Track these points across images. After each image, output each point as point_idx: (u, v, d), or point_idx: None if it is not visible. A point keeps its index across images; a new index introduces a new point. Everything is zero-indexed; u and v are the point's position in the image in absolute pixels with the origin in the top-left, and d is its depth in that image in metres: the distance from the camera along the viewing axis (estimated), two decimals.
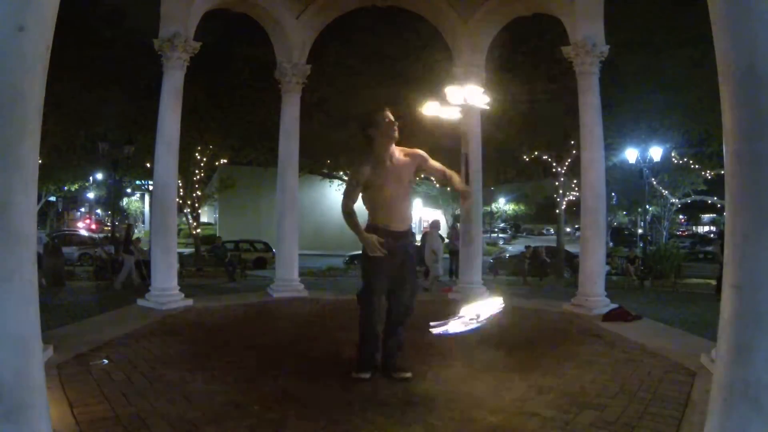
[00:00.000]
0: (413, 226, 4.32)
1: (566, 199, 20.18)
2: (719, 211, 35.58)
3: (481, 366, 4.26)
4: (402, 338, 3.98)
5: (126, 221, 18.85)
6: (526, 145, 17.33)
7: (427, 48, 14.31)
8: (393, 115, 3.93)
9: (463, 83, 6.14)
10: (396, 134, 3.88)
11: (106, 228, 36.66)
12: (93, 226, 41.42)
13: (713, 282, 11.58)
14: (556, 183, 19.44)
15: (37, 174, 2.44)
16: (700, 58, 11.57)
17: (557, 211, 19.90)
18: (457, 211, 21.67)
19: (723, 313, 2.34)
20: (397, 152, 3.92)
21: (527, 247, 19.31)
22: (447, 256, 15.52)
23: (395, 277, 3.86)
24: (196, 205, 19.64)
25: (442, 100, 3.98)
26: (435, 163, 4.10)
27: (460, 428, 3.02)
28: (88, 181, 30.65)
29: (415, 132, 17.15)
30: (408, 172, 3.94)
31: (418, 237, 18.52)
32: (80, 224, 44.29)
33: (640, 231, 22.92)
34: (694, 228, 52.78)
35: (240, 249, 20.62)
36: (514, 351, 4.82)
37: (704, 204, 27.66)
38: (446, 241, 17.10)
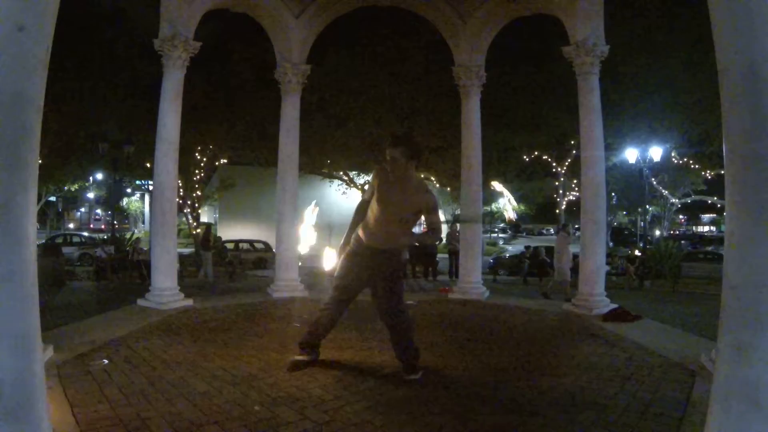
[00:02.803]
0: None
1: (566, 199, 20.17)
2: (719, 211, 35.61)
3: (481, 366, 4.26)
4: (401, 344, 3.93)
5: (205, 224, 18.87)
6: (525, 145, 17.34)
7: (427, 48, 14.34)
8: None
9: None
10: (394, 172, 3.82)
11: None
12: (102, 227, 41.54)
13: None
14: (556, 183, 19.44)
15: (37, 174, 2.44)
16: (699, 59, 11.57)
17: (557, 211, 19.89)
18: (457, 212, 21.68)
19: (723, 313, 2.34)
20: (414, 185, 3.84)
21: (527, 247, 19.31)
22: (446, 255, 15.54)
23: (368, 285, 4.02)
24: (196, 205, 19.64)
25: None
26: (433, 217, 3.85)
27: (460, 427, 3.02)
28: (88, 181, 30.65)
29: (415, 131, 17.23)
30: (410, 207, 3.80)
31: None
32: (91, 225, 44.51)
33: (658, 232, 23.01)
34: (694, 228, 52.80)
35: (240, 249, 20.59)
36: (514, 351, 4.82)
37: (704, 204, 27.66)
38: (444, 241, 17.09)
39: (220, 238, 20.08)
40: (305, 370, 4.08)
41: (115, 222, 25.17)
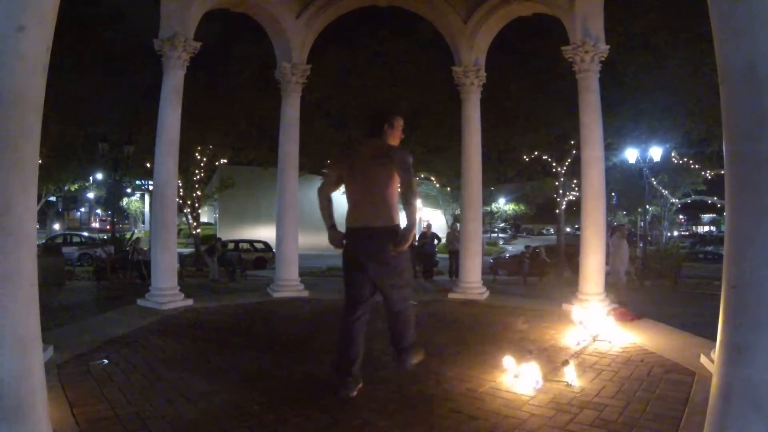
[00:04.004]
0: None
1: (566, 199, 20.17)
2: (719, 211, 35.62)
3: (481, 366, 4.25)
4: (404, 333, 3.51)
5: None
6: (526, 145, 17.34)
7: (427, 48, 14.34)
8: (395, 116, 3.71)
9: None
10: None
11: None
12: (108, 227, 41.79)
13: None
14: (556, 183, 19.44)
15: (37, 174, 2.45)
16: (700, 58, 11.57)
17: (557, 211, 19.89)
18: (457, 211, 21.67)
19: (723, 313, 2.34)
20: (384, 149, 3.50)
21: (527, 247, 19.31)
22: (446, 256, 15.54)
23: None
24: (196, 205, 19.63)
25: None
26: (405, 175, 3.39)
27: (460, 427, 3.02)
28: (88, 181, 30.66)
29: (415, 131, 17.18)
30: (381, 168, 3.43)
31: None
32: (97, 225, 44.79)
33: (676, 233, 22.98)
34: (694, 228, 52.83)
35: (240, 249, 20.61)
36: (514, 351, 4.81)
37: (704, 204, 27.66)
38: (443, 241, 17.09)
39: (219, 239, 20.06)
40: (305, 371, 4.08)
41: (115, 221, 25.17)
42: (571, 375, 3.84)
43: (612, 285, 9.24)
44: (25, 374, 2.27)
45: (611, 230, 10.20)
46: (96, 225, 47.39)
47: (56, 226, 37.76)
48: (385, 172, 3.39)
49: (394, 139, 3.65)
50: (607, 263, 8.46)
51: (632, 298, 8.97)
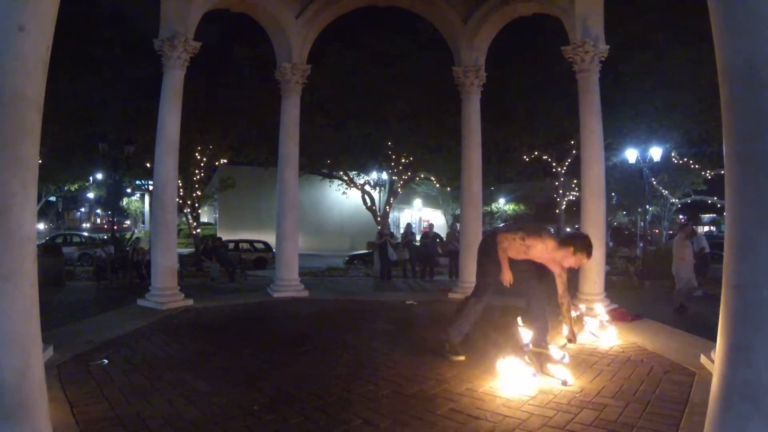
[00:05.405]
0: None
1: (566, 199, 20.16)
2: (719, 211, 35.60)
3: (481, 366, 4.25)
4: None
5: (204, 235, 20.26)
6: (525, 145, 17.33)
7: (427, 48, 14.33)
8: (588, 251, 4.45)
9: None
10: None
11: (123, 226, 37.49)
12: (115, 227, 41.88)
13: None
14: (556, 183, 19.44)
15: (37, 174, 2.45)
16: (700, 58, 11.56)
17: (557, 211, 19.88)
18: (457, 211, 21.68)
19: (723, 313, 2.34)
20: None
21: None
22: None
23: None
24: (196, 205, 19.60)
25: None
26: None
27: (460, 427, 3.02)
28: (88, 181, 30.65)
29: (415, 131, 17.12)
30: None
31: (418, 237, 18.53)
32: (105, 225, 44.90)
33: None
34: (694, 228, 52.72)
35: (240, 249, 20.60)
36: (514, 350, 4.80)
37: (704, 204, 27.63)
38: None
39: (220, 238, 20.05)
40: (305, 371, 4.08)
41: (116, 221, 25.17)
42: (565, 374, 3.84)
43: (678, 290, 8.84)
44: (25, 374, 2.27)
45: (611, 229, 10.02)
46: (88, 225, 47.20)
47: (42, 226, 37.46)
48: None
49: (565, 258, 4.45)
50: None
51: (632, 298, 8.97)
